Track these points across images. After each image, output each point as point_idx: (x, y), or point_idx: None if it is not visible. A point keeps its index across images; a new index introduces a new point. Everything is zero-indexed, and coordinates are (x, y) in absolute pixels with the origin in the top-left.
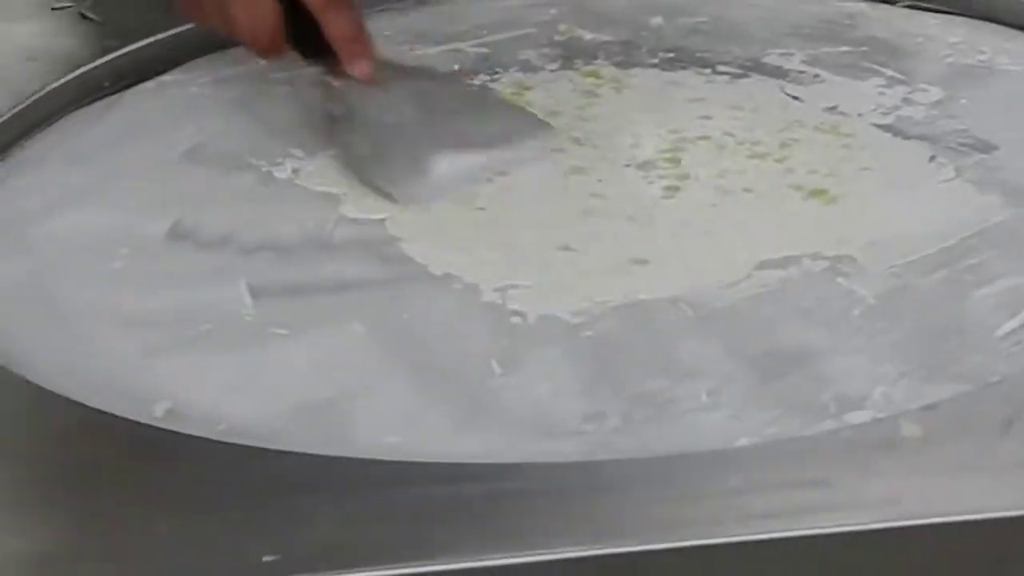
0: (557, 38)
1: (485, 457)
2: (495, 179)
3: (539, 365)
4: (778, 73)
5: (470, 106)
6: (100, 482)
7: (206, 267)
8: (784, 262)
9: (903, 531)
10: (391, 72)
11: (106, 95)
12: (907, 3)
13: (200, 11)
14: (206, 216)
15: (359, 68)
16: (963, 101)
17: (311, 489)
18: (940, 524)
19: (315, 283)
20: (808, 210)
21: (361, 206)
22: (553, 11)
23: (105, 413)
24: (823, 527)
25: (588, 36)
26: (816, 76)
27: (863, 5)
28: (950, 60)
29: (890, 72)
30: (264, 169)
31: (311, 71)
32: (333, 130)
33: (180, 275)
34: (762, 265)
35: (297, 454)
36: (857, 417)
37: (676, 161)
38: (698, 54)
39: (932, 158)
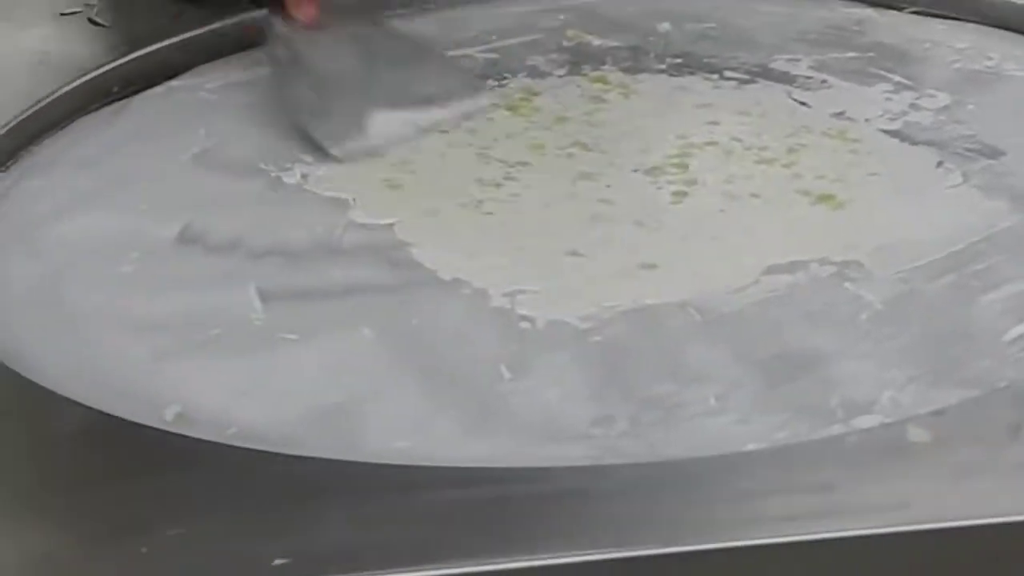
0: (565, 44)
1: (494, 461)
2: (503, 183)
3: (548, 370)
4: (785, 79)
5: (409, 59)
6: (110, 486)
7: (216, 271)
8: (792, 267)
9: (911, 536)
10: (336, 17)
11: (115, 100)
12: (915, 9)
13: None
14: (215, 220)
15: (304, 11)
16: (970, 107)
17: (321, 493)
18: (948, 529)
19: (324, 288)
20: (815, 215)
21: (370, 211)
22: (561, 17)
23: (115, 417)
24: (831, 532)
25: (596, 42)
26: (823, 82)
27: (870, 11)
28: (958, 66)
29: (897, 78)
30: (273, 174)
31: None
32: (276, 75)
33: (190, 279)
34: (770, 270)
35: (307, 458)
36: (865, 422)
37: (684, 166)
38: (706, 60)
39: (939, 164)
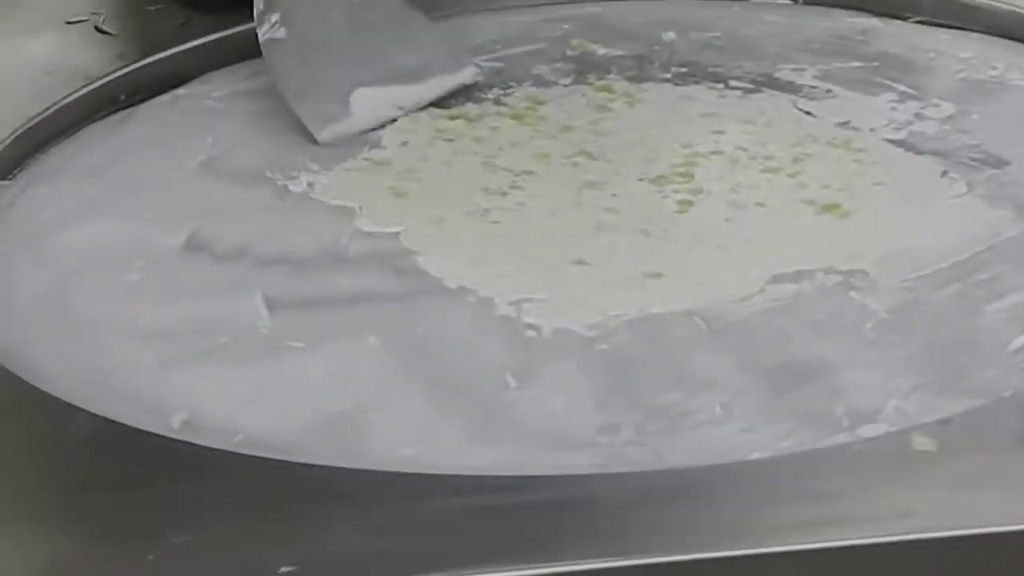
0: (570, 53)
1: (500, 469)
2: (509, 192)
3: (554, 378)
4: (790, 88)
5: (394, 25)
6: (116, 493)
7: (222, 279)
8: (797, 276)
9: (916, 544)
10: None
11: (121, 108)
12: (919, 19)
13: None
14: (222, 229)
15: None
16: (975, 116)
17: (328, 501)
18: (954, 537)
19: (330, 296)
20: (821, 225)
21: (376, 220)
22: (566, 26)
23: (121, 424)
24: (836, 540)
25: (601, 51)
26: (828, 91)
27: (875, 20)
28: (962, 75)
29: (902, 87)
30: (280, 182)
31: None
32: (264, 41)
33: (196, 287)
34: (775, 279)
35: (314, 466)
36: (870, 431)
37: (689, 176)
38: (711, 69)
39: (944, 173)
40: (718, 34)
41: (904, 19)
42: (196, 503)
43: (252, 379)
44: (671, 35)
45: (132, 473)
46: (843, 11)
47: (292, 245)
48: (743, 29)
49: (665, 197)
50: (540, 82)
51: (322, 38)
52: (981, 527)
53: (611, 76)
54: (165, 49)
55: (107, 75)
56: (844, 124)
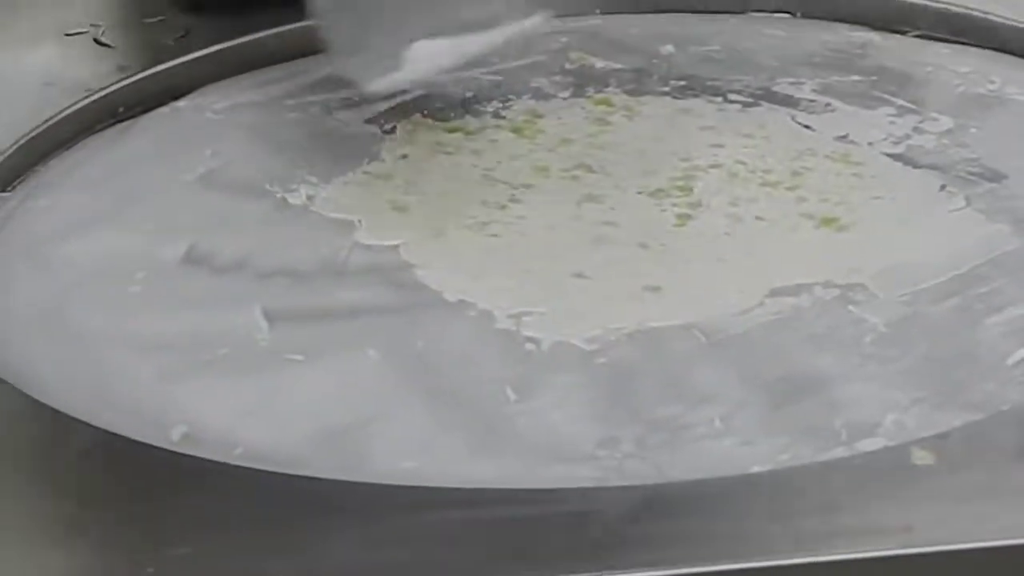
0: (568, 66)
1: (500, 482)
2: (508, 205)
3: (553, 391)
4: (789, 102)
5: None
6: (116, 506)
7: (222, 292)
8: (796, 290)
9: (915, 558)
10: None
11: (121, 120)
12: (918, 33)
13: None
14: (221, 241)
15: None
16: (973, 130)
17: (328, 513)
18: (952, 551)
19: (330, 309)
20: (820, 238)
21: (375, 233)
22: (565, 39)
23: (121, 437)
24: (835, 554)
25: (600, 64)
26: (827, 105)
27: (873, 35)
28: (960, 90)
29: (901, 101)
30: (279, 195)
31: (325, 97)
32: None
33: (196, 300)
34: (774, 293)
35: (314, 479)
36: (869, 444)
37: (688, 189)
38: (709, 82)
39: (942, 187)
40: (717, 47)
41: (903, 33)
42: (196, 516)
43: (252, 392)
44: (670, 48)
45: (132, 486)
46: (842, 25)
47: (291, 258)
48: (742, 42)
49: (664, 210)
50: (539, 95)
51: (378, 5)
52: (980, 541)
53: (610, 89)
54: (164, 61)
55: (107, 87)
56: (843, 138)
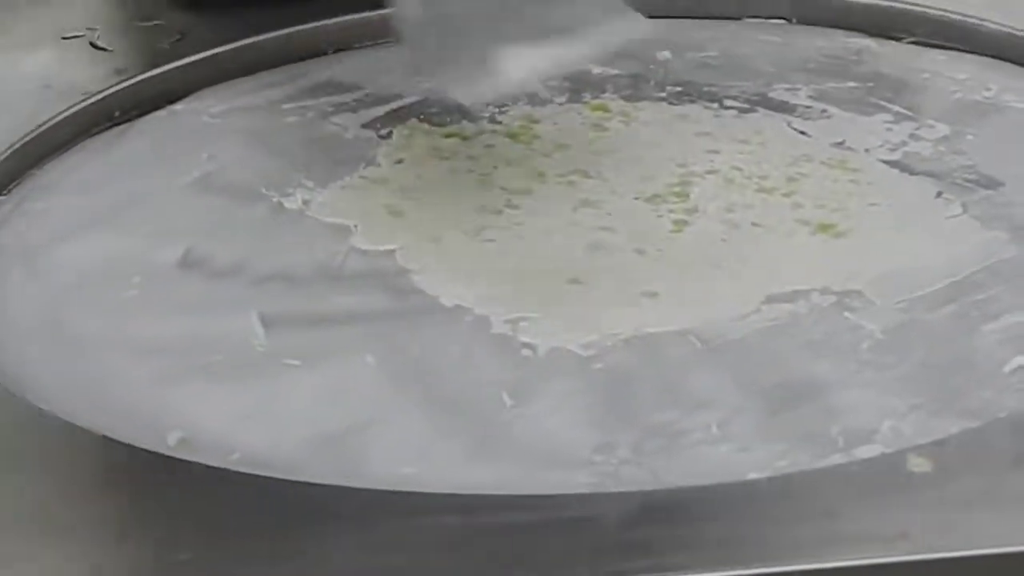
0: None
1: (497, 488)
2: (505, 211)
3: (550, 397)
4: (785, 108)
5: None
6: (113, 511)
7: (218, 297)
8: (792, 296)
9: (911, 566)
10: None
11: (117, 124)
12: (914, 39)
13: None
14: (217, 245)
15: None
16: (969, 137)
17: (325, 519)
18: (949, 559)
19: (326, 314)
20: (816, 245)
21: (372, 238)
22: None
23: (117, 442)
24: (831, 561)
25: (596, 69)
26: (823, 111)
27: (870, 41)
28: (957, 96)
29: (897, 108)
30: (275, 199)
31: (322, 101)
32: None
33: (192, 304)
34: (771, 299)
35: (311, 484)
36: (866, 451)
37: (685, 195)
38: (706, 88)
39: (939, 194)
40: (713, 53)
41: (899, 40)
42: (193, 521)
43: (249, 397)
44: (666, 54)
45: (128, 491)
46: (838, 31)
47: (288, 262)
48: (738, 49)
49: (660, 216)
50: (535, 100)
51: (467, 15)
52: (977, 548)
53: (606, 95)
54: (161, 65)
55: (103, 91)
56: (839, 144)
